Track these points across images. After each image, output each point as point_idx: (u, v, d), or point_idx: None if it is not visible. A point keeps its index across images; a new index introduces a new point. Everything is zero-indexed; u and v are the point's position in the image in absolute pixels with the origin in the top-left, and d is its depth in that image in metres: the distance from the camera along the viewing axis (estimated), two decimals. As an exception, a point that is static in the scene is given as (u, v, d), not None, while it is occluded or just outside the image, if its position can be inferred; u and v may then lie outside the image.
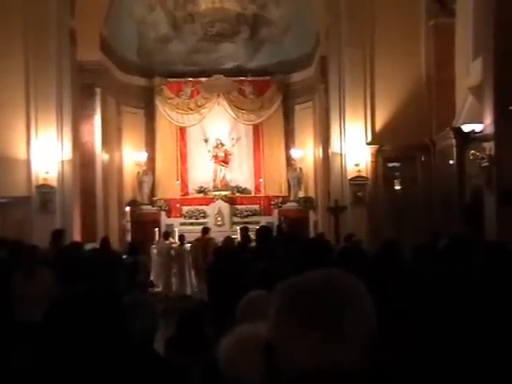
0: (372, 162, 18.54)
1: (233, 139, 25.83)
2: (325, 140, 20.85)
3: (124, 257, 12.15)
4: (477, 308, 3.65)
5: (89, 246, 12.74)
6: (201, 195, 25.46)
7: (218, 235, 18.57)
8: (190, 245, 18.09)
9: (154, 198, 25.07)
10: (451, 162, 15.92)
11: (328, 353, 1.42)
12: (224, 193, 24.81)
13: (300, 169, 24.99)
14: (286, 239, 12.15)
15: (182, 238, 18.68)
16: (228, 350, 2.48)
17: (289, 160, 25.50)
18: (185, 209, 24.78)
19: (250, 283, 4.31)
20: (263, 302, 3.47)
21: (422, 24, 18.47)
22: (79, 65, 19.78)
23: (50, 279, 7.33)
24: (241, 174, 25.89)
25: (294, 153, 25.18)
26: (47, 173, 18.13)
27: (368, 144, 18.53)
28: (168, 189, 25.31)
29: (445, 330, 3.53)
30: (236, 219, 24.15)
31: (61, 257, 8.86)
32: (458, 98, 16.72)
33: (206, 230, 17.70)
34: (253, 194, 25.63)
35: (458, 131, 15.33)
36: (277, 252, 8.18)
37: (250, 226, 17.93)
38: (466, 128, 14.84)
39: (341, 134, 18.89)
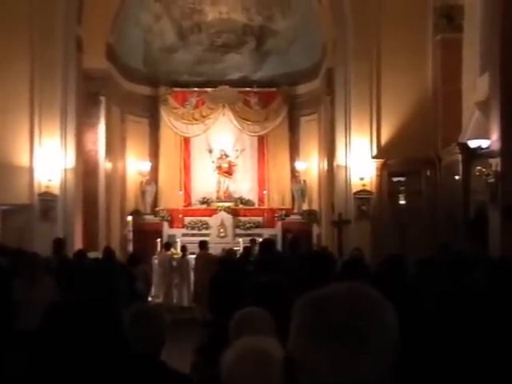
0: (377, 175, 18.54)
1: (237, 150, 25.86)
2: (330, 153, 20.88)
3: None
4: (479, 324, 3.66)
5: (91, 255, 12.74)
6: (204, 206, 25.46)
7: (220, 247, 18.57)
8: (193, 257, 18.02)
9: (157, 208, 25.08)
10: (457, 177, 15.91)
11: (352, 367, 1.42)
12: (227, 204, 24.82)
13: (304, 181, 25.00)
14: (289, 252, 12.14)
15: (183, 248, 18.69)
16: (230, 363, 2.49)
17: (293, 172, 25.51)
18: (187, 219, 24.78)
19: (247, 297, 4.31)
20: (257, 318, 3.49)
21: (429, 38, 18.51)
22: (85, 73, 19.86)
23: (52, 287, 7.36)
24: (244, 186, 25.90)
25: (299, 165, 25.20)
26: (50, 180, 18.16)
27: (373, 158, 18.54)
28: (171, 199, 25.32)
29: (447, 346, 3.55)
30: (239, 231, 24.12)
31: (63, 265, 8.88)
32: (464, 112, 16.74)
33: (203, 245, 17.11)
34: (256, 206, 25.64)
35: (464, 147, 15.32)
36: (280, 265, 8.18)
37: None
38: (473, 144, 14.82)
39: (346, 146, 18.90)
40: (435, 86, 18.35)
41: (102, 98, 21.44)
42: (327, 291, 1.51)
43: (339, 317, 1.44)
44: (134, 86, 24.53)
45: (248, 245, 15.81)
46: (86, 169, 20.23)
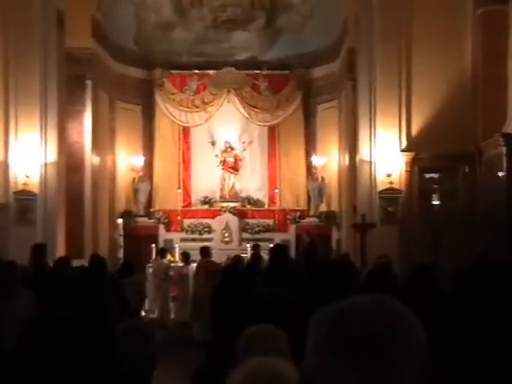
0: (406, 172, 18.50)
1: (244, 142, 25.87)
2: (351, 145, 20.85)
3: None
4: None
5: (75, 264, 12.74)
6: (205, 207, 25.49)
7: (224, 254, 18.57)
8: (193, 265, 18.01)
9: (152, 209, 25.13)
10: (500, 173, 15.85)
11: None
12: (232, 204, 24.83)
13: (322, 178, 24.97)
14: (304, 260, 12.14)
15: (186, 256, 18.64)
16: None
17: (309, 168, 25.50)
18: (186, 222, 24.81)
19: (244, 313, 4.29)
20: (270, 337, 3.47)
21: (468, 13, 18.43)
22: (67, 53, 19.87)
23: (30, 302, 7.35)
24: (253, 183, 25.91)
25: (316, 160, 25.18)
26: (28, 177, 18.18)
27: (402, 151, 18.50)
28: (168, 198, 25.35)
29: (487, 369, 3.53)
30: (246, 235, 24.15)
31: (43, 275, 8.89)
32: (509, 99, 16.67)
33: (205, 252, 16.92)
34: (266, 207, 25.65)
35: (510, 138, 15.27)
36: (293, 275, 8.16)
37: (262, 244, 18.06)
38: (519, 135, 14.80)
39: (370, 138, 18.87)
40: (475, 68, 18.28)
41: (88, 82, 21.45)
42: (347, 304, 1.52)
43: (361, 334, 1.45)
44: (124, 68, 24.56)
45: (256, 252, 15.79)
46: (69, 163, 20.25)
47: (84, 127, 21.36)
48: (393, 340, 1.44)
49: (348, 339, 1.45)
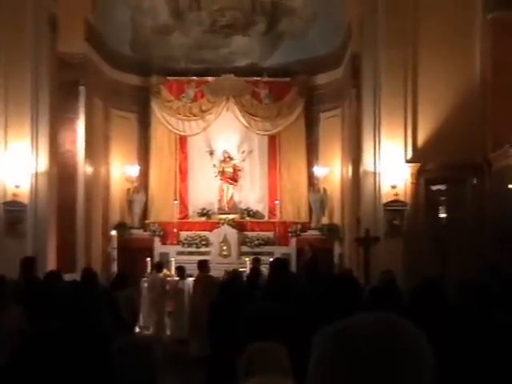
0: (412, 183, 18.51)
1: (243, 152, 25.88)
2: (355, 156, 20.84)
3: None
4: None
5: (67, 278, 12.72)
6: (203, 219, 25.48)
7: (222, 268, 18.55)
8: (191, 279, 17.98)
9: (147, 221, 25.12)
10: (510, 185, 15.86)
11: None
12: (231, 216, 24.83)
13: (324, 190, 24.96)
14: (306, 275, 12.13)
15: (181, 270, 18.64)
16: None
17: (311, 179, 25.50)
18: (183, 235, 24.80)
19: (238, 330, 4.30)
20: (272, 355, 3.48)
21: (477, 18, 18.46)
22: (60, 58, 19.87)
23: (20, 317, 7.34)
24: (252, 195, 25.92)
25: (318, 170, 25.18)
26: (17, 187, 18.17)
27: (408, 162, 18.50)
28: (163, 210, 25.35)
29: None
30: (245, 249, 24.14)
31: (33, 290, 8.87)
32: (519, 108, 16.71)
33: (203, 266, 16.90)
34: (266, 219, 25.64)
35: (519, 149, 15.30)
36: (294, 291, 8.16)
37: (261, 258, 18.05)
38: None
39: (375, 149, 18.87)
40: (484, 75, 18.31)
41: (82, 89, 21.45)
42: (351, 322, 1.52)
43: (365, 351, 1.46)
44: (119, 75, 24.59)
45: (256, 266, 15.78)
46: (61, 173, 20.23)
47: (77, 135, 21.34)
48: (398, 357, 1.45)
49: (352, 357, 1.45)
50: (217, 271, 18.79)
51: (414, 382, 1.45)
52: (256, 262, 16.38)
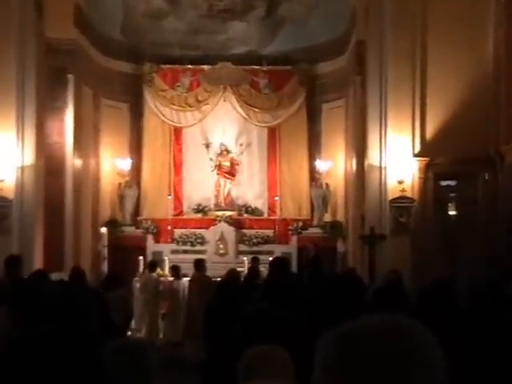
0: (420, 178, 18.50)
1: (241, 145, 25.88)
2: (360, 149, 20.84)
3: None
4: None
5: (55, 277, 12.72)
6: (199, 215, 25.49)
7: (219, 268, 18.55)
8: (186, 279, 17.99)
9: (139, 218, 25.12)
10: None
11: None
12: (228, 213, 24.84)
13: (327, 185, 24.98)
14: (307, 275, 12.13)
15: (175, 269, 18.64)
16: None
17: (312, 174, 25.51)
18: (178, 232, 24.79)
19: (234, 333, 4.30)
20: (273, 359, 3.48)
21: (490, 2, 18.44)
22: (47, 44, 19.84)
23: (5, 319, 7.33)
24: (251, 190, 25.93)
25: (320, 164, 25.18)
26: (2, 181, 18.15)
27: (415, 156, 18.50)
28: (157, 206, 25.36)
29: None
30: (243, 247, 24.15)
31: (19, 290, 8.87)
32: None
33: (199, 265, 16.97)
34: (265, 216, 25.67)
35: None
36: (294, 291, 8.16)
37: (261, 257, 18.06)
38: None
39: (381, 141, 18.87)
40: (497, 64, 18.29)
41: (70, 77, 21.41)
42: (356, 324, 1.53)
43: (372, 354, 1.46)
44: (110, 62, 24.57)
45: (254, 265, 15.80)
46: (49, 167, 20.22)
47: (65, 126, 21.31)
48: (407, 360, 1.46)
49: (359, 360, 1.46)
50: (213, 271, 18.79)
51: (428, 382, 1.46)
52: (254, 262, 16.40)
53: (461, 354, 3.92)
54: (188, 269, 18.30)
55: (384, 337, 1.47)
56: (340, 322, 1.57)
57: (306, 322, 4.85)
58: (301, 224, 24.84)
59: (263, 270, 15.31)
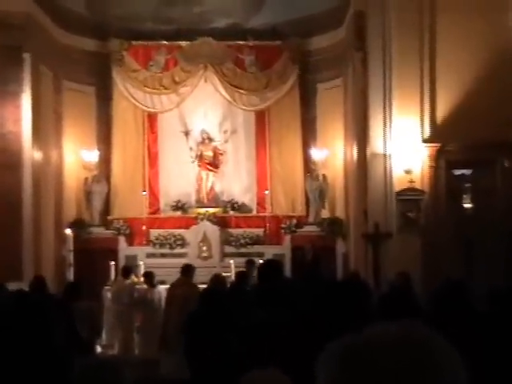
0: (430, 167, 18.56)
1: (226, 132, 25.91)
2: (361, 135, 20.88)
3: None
4: None
5: (11, 287, 12.71)
6: (178, 214, 25.50)
7: (201, 273, 18.54)
8: (164, 287, 17.96)
9: (109, 217, 25.12)
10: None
11: None
12: (212, 210, 24.87)
13: (324, 177, 25.00)
14: (304, 279, 12.14)
15: (148, 276, 18.63)
16: None
17: (307, 164, 25.55)
18: (154, 233, 24.81)
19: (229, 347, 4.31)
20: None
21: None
22: (-1, 19, 19.86)
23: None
24: (237, 184, 25.96)
25: (316, 153, 25.22)
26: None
27: (425, 142, 18.55)
28: (129, 204, 25.35)
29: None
30: (229, 249, 24.19)
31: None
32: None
33: (186, 270, 16.99)
34: (254, 213, 25.72)
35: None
36: (289, 299, 8.17)
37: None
38: None
39: (385, 126, 18.92)
40: (516, 36, 18.36)
41: (26, 56, 21.33)
42: (361, 337, 1.52)
43: (379, 373, 1.45)
44: (72, 39, 24.51)
45: (244, 269, 15.77)
46: (3, 160, 20.21)
47: (21, 113, 21.23)
48: (421, 375, 1.45)
49: (365, 379, 1.45)
50: (195, 277, 18.79)
51: None
52: (250, 266, 16.15)
53: (484, 363, 3.91)
54: (166, 275, 18.32)
55: (393, 350, 1.47)
56: (343, 333, 1.56)
57: (306, 334, 4.85)
58: (295, 221, 24.89)
59: (252, 275, 15.30)
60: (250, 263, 16.58)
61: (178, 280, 16.66)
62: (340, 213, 24.48)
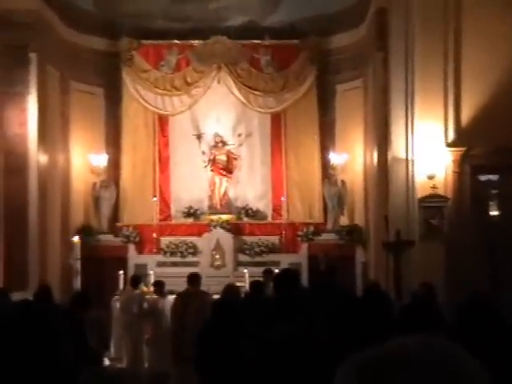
0: (454, 172, 18.52)
1: (240, 135, 25.90)
2: (382, 139, 20.86)
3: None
4: None
5: (16, 297, 12.72)
6: (190, 220, 25.50)
7: (214, 283, 18.53)
8: (173, 297, 17.99)
9: (118, 224, 25.13)
10: None
11: None
12: (225, 217, 24.85)
13: (342, 182, 24.98)
14: (321, 289, 12.10)
15: (159, 286, 18.62)
16: None
17: (325, 169, 25.51)
18: (165, 241, 24.82)
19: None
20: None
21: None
22: (4, 17, 19.90)
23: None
24: (251, 190, 25.94)
25: (334, 158, 25.19)
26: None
27: (449, 146, 18.51)
28: (139, 210, 25.38)
29: None
30: (243, 258, 24.19)
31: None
32: None
33: (193, 280, 16.94)
34: (269, 220, 25.68)
35: None
36: (306, 310, 8.15)
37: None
38: None
39: (407, 129, 18.89)
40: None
41: (32, 56, 21.40)
42: (380, 351, 1.51)
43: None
44: (81, 37, 24.56)
45: (258, 279, 15.73)
46: (8, 164, 20.24)
47: (27, 115, 21.29)
48: None
49: None
50: (208, 286, 18.78)
51: None
52: (268, 275, 16.05)
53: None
54: (177, 284, 18.26)
55: (413, 365, 1.46)
56: (363, 347, 1.55)
57: (326, 347, 4.84)
58: (312, 229, 24.87)
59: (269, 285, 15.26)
60: (267, 273, 16.50)
61: (186, 289, 16.62)
62: (359, 220, 24.46)
